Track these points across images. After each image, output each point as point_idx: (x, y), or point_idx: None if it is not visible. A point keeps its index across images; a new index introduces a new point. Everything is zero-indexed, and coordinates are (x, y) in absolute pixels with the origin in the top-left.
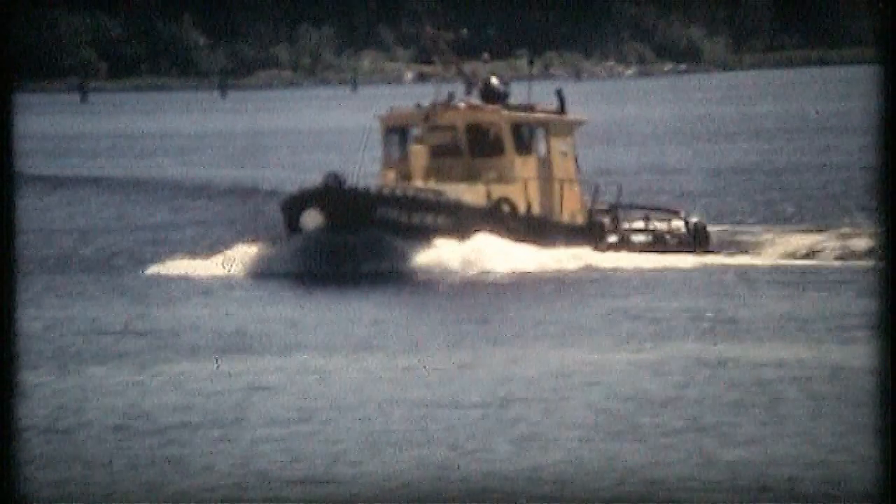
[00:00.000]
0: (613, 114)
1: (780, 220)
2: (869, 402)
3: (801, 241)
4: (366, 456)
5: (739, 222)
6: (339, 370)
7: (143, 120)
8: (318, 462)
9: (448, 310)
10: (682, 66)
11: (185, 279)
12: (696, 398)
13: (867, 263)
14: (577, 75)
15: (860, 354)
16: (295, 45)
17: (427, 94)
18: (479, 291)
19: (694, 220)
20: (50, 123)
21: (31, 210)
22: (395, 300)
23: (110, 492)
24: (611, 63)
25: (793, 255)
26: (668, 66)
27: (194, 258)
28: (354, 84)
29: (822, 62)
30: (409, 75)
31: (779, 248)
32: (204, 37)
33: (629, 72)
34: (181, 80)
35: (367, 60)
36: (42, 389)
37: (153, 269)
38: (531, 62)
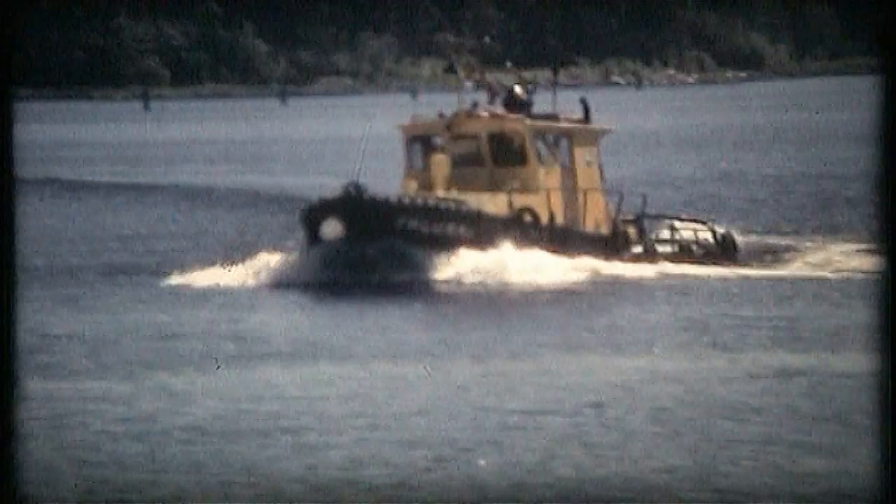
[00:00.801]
0: (673, 122)
1: (832, 230)
2: None
3: (841, 250)
4: (447, 461)
5: (791, 232)
6: (407, 377)
7: (205, 127)
8: (398, 467)
9: (501, 318)
10: (744, 74)
11: (212, 288)
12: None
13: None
14: (638, 83)
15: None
16: (355, 53)
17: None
18: (522, 301)
19: (722, 230)
20: (114, 131)
21: (91, 216)
22: (441, 309)
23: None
24: (671, 71)
25: (824, 267)
26: (729, 74)
27: (215, 266)
28: (414, 91)
29: None
30: (470, 83)
31: (814, 258)
32: (265, 44)
33: (690, 79)
34: (242, 87)
35: (427, 68)
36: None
37: (180, 278)
38: (555, 70)
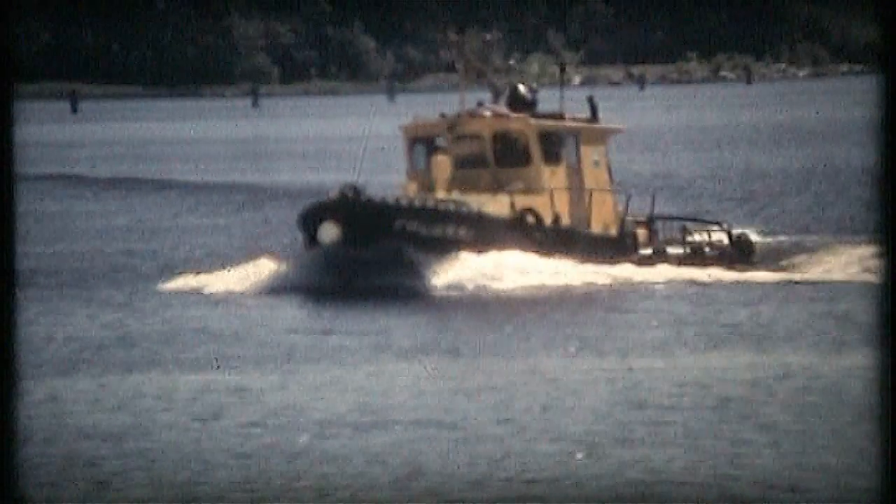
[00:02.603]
0: (785, 116)
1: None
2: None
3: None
4: (575, 455)
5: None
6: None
7: (313, 124)
8: (513, 461)
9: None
10: (860, 67)
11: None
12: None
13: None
14: (748, 78)
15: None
16: (463, 49)
17: (597, 97)
18: (557, 303)
19: (737, 231)
20: (224, 128)
21: (181, 214)
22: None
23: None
24: (783, 64)
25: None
26: (844, 68)
27: (211, 271)
28: None
29: None
30: (577, 79)
31: (833, 262)
32: (373, 41)
33: (802, 73)
34: (350, 84)
35: (534, 64)
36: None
37: (175, 283)
38: (563, 69)
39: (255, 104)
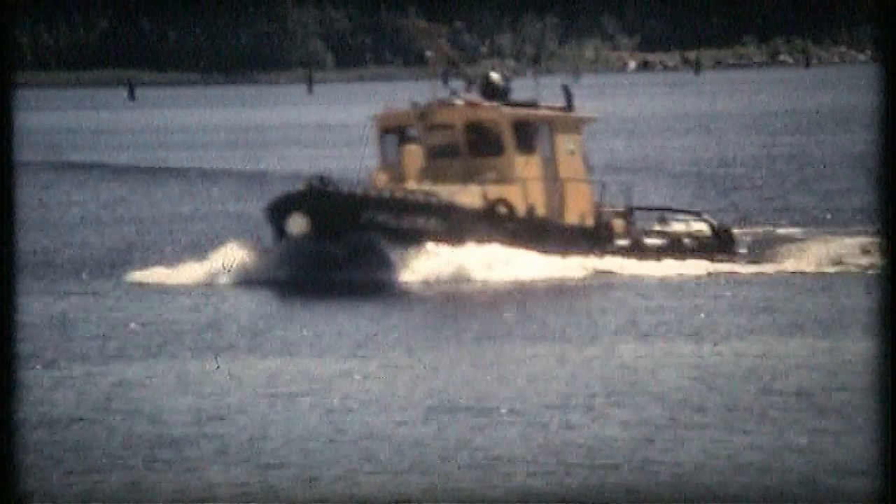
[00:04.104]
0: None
1: None
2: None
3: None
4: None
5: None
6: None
7: (367, 109)
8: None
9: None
10: None
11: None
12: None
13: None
14: (807, 62)
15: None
16: (518, 35)
17: (649, 83)
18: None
19: (717, 222)
20: (279, 114)
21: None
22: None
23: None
24: (842, 48)
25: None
26: None
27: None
28: (577, 73)
29: None
30: (632, 64)
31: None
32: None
33: (862, 56)
34: (405, 69)
35: (590, 49)
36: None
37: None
38: (536, 60)
39: (309, 90)
